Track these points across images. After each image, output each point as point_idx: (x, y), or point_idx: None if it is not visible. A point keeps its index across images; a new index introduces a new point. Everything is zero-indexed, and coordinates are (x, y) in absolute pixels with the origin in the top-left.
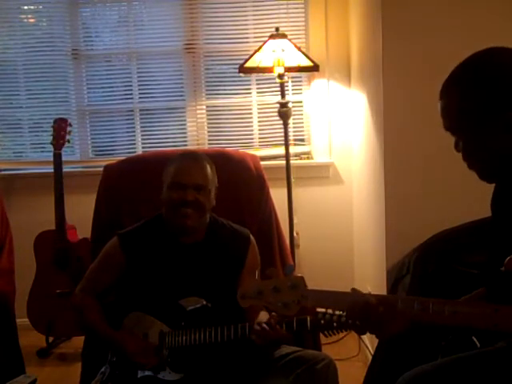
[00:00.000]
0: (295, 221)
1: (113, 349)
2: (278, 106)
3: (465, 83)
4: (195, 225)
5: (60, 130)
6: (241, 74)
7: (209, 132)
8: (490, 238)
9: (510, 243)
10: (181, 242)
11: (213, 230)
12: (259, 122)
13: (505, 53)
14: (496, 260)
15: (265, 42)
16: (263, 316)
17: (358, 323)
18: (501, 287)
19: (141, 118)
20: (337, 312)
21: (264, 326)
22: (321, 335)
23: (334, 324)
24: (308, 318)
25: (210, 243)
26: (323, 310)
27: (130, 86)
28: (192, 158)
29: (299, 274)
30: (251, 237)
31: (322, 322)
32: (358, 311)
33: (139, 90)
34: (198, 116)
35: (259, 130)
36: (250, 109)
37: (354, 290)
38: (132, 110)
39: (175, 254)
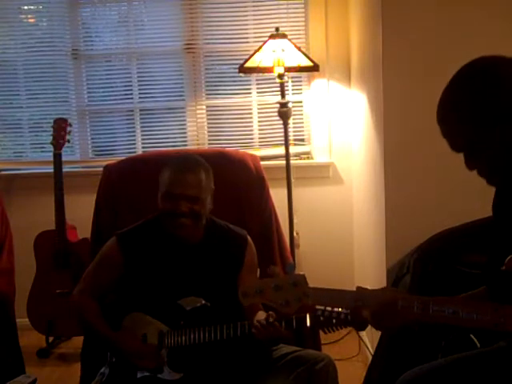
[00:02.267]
0: (295, 221)
1: (111, 350)
2: (278, 106)
3: (460, 107)
4: (191, 233)
5: (60, 130)
6: (241, 74)
7: (209, 132)
8: (490, 237)
9: (510, 243)
10: (179, 243)
11: (210, 231)
12: (259, 122)
13: (495, 63)
14: (496, 260)
15: (265, 42)
16: (261, 316)
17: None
18: (501, 287)
19: (141, 118)
20: (336, 308)
21: (263, 322)
22: (321, 333)
23: (334, 321)
24: (307, 315)
25: (208, 244)
26: (322, 307)
27: (130, 86)
28: (187, 166)
29: (301, 273)
30: (248, 237)
31: (322, 318)
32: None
33: (139, 90)
34: (198, 116)
35: (259, 130)
36: (250, 109)
37: (358, 287)
38: (132, 110)
39: (174, 254)
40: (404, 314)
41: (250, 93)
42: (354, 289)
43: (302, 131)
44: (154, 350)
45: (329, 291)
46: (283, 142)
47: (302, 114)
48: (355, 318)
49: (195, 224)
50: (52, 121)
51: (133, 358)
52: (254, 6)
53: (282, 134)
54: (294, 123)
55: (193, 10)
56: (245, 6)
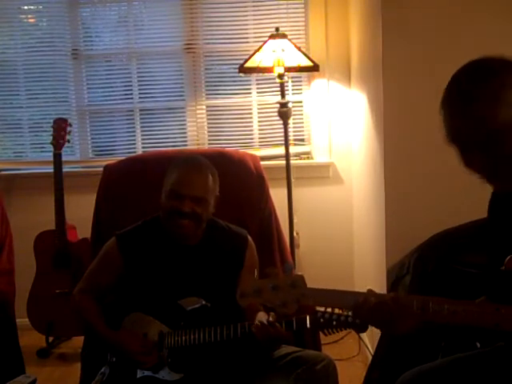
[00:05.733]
0: (295, 221)
1: (112, 349)
2: (278, 106)
3: (482, 99)
4: (191, 234)
5: (60, 130)
6: (241, 74)
7: (209, 132)
8: (488, 238)
9: (509, 243)
10: (179, 243)
11: (211, 232)
12: (259, 122)
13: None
14: (496, 260)
15: (265, 42)
16: (261, 317)
17: (358, 321)
18: (501, 287)
19: (141, 118)
20: (336, 310)
21: (264, 322)
22: (321, 334)
23: (334, 322)
24: (307, 317)
25: (208, 244)
26: (322, 308)
27: (130, 86)
28: (195, 167)
29: (299, 273)
30: (249, 237)
31: (322, 320)
32: (367, 310)
33: (139, 90)
34: (198, 116)
35: (259, 130)
36: (250, 109)
37: (370, 290)
38: (132, 110)
39: (173, 254)
40: (404, 313)
41: (250, 93)
42: (354, 289)
43: (302, 131)
44: (155, 345)
45: (327, 292)
46: (283, 142)
47: (302, 114)
48: (357, 315)
49: (195, 226)
50: (52, 121)
51: (134, 355)
52: (254, 6)
53: (282, 134)
54: (293, 123)
55: (193, 10)
56: (245, 6)
